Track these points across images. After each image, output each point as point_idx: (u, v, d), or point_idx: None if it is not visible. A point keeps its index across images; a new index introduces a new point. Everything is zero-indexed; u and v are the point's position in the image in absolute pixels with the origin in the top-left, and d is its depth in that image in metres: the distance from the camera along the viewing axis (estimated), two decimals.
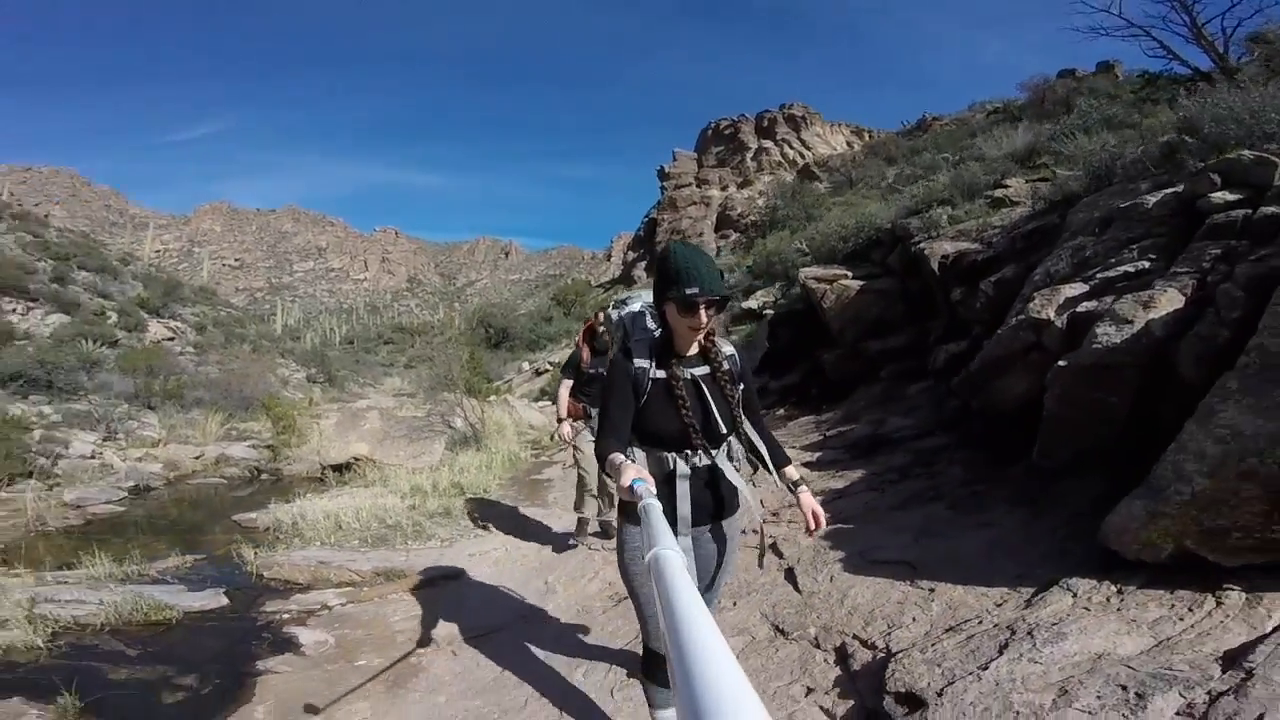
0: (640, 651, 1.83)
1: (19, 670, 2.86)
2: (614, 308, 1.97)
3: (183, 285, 25.26)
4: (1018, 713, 1.41)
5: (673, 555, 0.78)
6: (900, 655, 1.76)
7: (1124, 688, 1.39)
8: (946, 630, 1.81)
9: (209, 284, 34.48)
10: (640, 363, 1.62)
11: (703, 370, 1.65)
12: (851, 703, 1.72)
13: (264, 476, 8.22)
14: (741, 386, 1.71)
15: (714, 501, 1.67)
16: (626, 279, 47.44)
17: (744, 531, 2.35)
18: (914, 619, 1.93)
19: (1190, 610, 1.62)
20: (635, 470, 1.32)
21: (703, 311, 1.53)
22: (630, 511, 1.63)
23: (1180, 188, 3.06)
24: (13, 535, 5.19)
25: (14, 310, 15.67)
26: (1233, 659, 1.41)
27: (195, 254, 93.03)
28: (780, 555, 2.67)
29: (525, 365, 19.59)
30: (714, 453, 1.64)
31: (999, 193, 6.50)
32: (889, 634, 1.91)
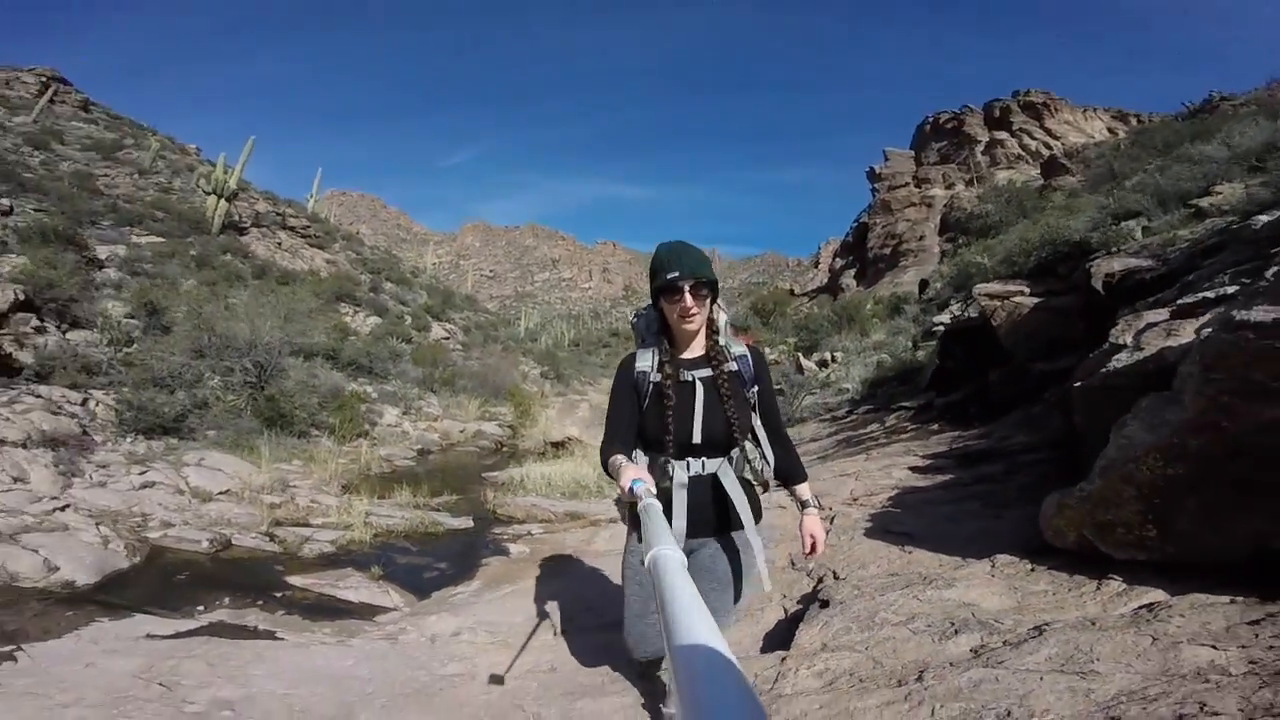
0: None
1: (353, 554, 4.75)
2: (635, 315, 1.87)
3: (454, 295, 31.20)
4: (875, 622, 2.05)
5: (671, 555, 0.78)
6: (842, 582, 2.46)
7: (951, 624, 1.92)
8: (889, 575, 2.43)
9: (472, 293, 41.85)
10: (642, 366, 1.61)
11: (705, 373, 1.59)
12: (800, 606, 2.48)
13: (504, 448, 10.57)
14: (756, 390, 1.65)
15: (718, 513, 1.59)
16: (833, 288, 45.64)
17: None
18: (877, 566, 2.55)
19: (1069, 590, 2.01)
20: (635, 470, 1.31)
21: (687, 295, 1.50)
22: (634, 517, 1.61)
23: None
24: (353, 475, 7.70)
25: (348, 313, 21.30)
26: (1044, 625, 1.82)
27: (461, 266, 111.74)
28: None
29: None
30: (717, 461, 1.58)
31: (1205, 201, 5.87)
32: (854, 572, 2.58)
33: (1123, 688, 1.49)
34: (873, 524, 3.07)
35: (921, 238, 39.41)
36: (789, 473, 1.70)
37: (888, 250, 40.13)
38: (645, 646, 1.71)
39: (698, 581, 1.55)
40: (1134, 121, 39.58)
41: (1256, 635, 1.56)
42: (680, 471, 1.56)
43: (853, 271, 44.77)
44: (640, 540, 1.45)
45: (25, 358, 7.83)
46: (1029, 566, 2.20)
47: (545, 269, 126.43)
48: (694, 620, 0.55)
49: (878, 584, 2.31)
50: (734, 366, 1.61)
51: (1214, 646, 1.54)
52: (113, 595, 3.72)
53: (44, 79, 34.67)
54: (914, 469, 4.38)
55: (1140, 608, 1.82)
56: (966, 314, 9.42)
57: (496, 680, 2.53)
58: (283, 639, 3.22)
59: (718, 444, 1.57)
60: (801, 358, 14.90)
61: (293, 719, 2.32)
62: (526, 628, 2.96)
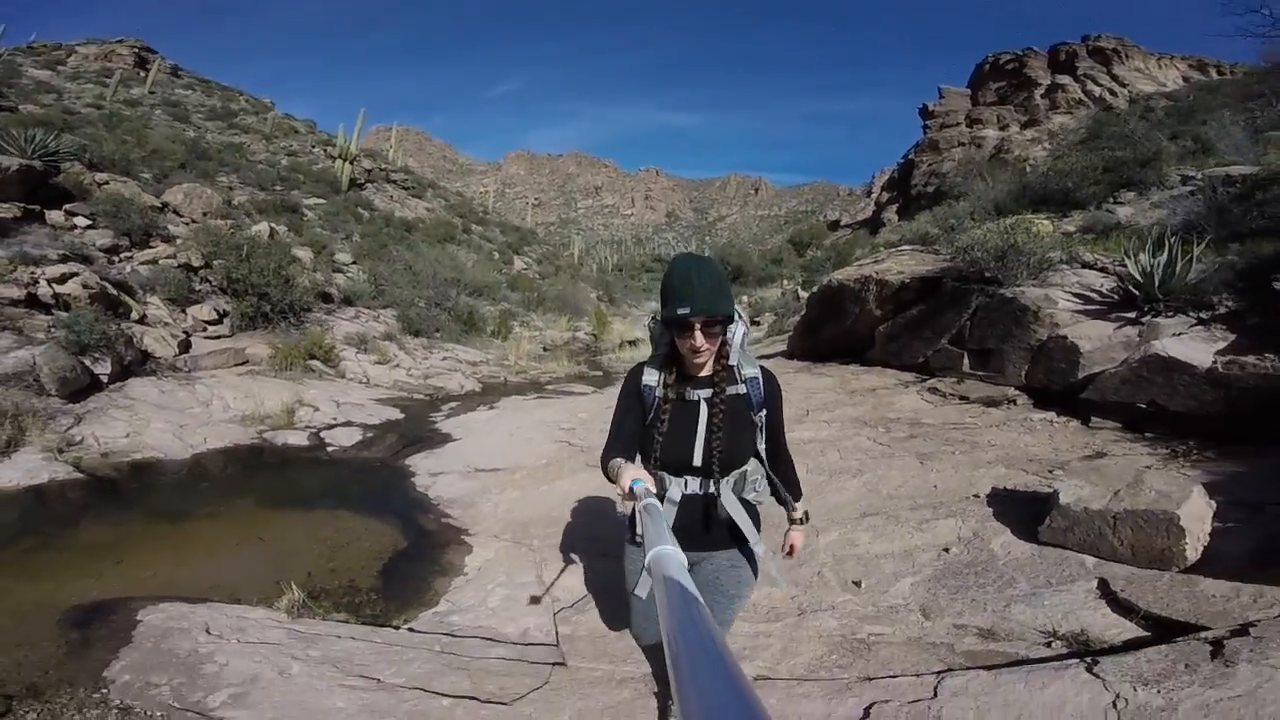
0: None
1: (561, 379, 10.70)
2: (653, 317, 1.76)
3: (525, 231, 36.86)
4: None
5: (673, 553, 0.80)
6: None
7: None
8: None
9: (532, 228, 47.34)
10: (649, 380, 1.63)
11: (709, 393, 1.59)
12: None
13: (592, 347, 16.62)
14: (764, 413, 1.66)
15: (711, 530, 1.63)
16: (875, 222, 48.03)
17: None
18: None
19: (797, 368, 7.62)
20: (635, 471, 1.34)
21: (697, 334, 1.48)
22: (632, 518, 1.71)
23: None
24: (525, 355, 13.72)
25: (454, 251, 27.23)
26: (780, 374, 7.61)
27: (506, 195, 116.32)
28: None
29: (744, 298, 26.19)
30: (719, 482, 1.59)
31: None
32: None
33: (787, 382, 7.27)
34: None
35: (965, 179, 39.38)
36: (788, 493, 1.75)
37: (930, 189, 40.15)
38: (648, 639, 1.87)
39: (703, 595, 1.49)
40: (1214, 73, 37.56)
41: (809, 371, 7.27)
42: (675, 488, 1.60)
43: (895, 207, 45.06)
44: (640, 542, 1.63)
45: (334, 292, 13.94)
46: (795, 364, 7.88)
47: (588, 196, 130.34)
48: (695, 619, 0.55)
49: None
50: (741, 390, 1.62)
51: (795, 369, 7.29)
52: (489, 395, 9.72)
53: (136, 50, 39.69)
54: None
55: (802, 369, 7.53)
56: None
57: None
58: (560, 399, 9.17)
59: (716, 465, 1.58)
60: (800, 289, 20.16)
61: (586, 403, 8.23)
62: None
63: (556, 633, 2.90)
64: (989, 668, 2.26)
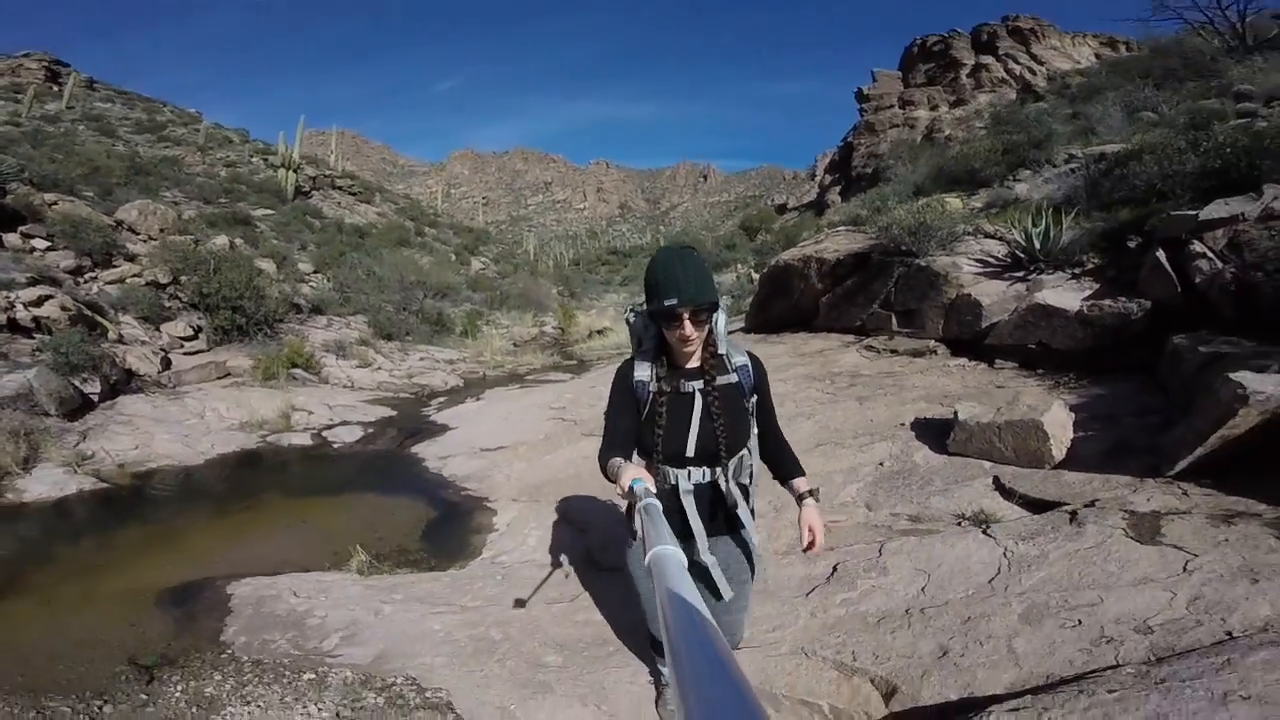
0: None
1: (537, 369, 11.39)
2: (632, 311, 1.82)
3: (481, 232, 36.88)
4: None
5: (673, 553, 0.81)
6: None
7: None
8: None
9: (485, 228, 47.24)
10: (640, 375, 1.66)
11: (702, 384, 1.63)
12: None
13: (560, 340, 17.23)
14: (754, 399, 1.71)
15: (715, 517, 1.69)
16: (820, 204, 49.48)
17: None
18: None
19: (761, 336, 8.55)
20: (634, 470, 1.35)
21: (686, 323, 1.51)
22: (633, 517, 1.72)
23: None
24: (499, 351, 14.26)
25: (409, 255, 27.23)
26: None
27: (452, 195, 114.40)
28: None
29: None
30: (716, 470, 1.65)
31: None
32: None
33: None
34: None
35: (896, 160, 40.43)
36: (787, 471, 1.77)
37: (869, 170, 41.07)
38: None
39: (728, 576, 1.72)
40: (1123, 49, 37.64)
41: (765, 341, 8.16)
42: (684, 480, 1.64)
43: (838, 188, 46.38)
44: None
45: (302, 302, 14.15)
46: (753, 337, 8.75)
47: (538, 192, 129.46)
48: (694, 618, 0.56)
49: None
50: (734, 379, 1.66)
51: (753, 341, 8.18)
52: (473, 389, 10.29)
53: (45, 64, 37.70)
54: None
55: (759, 340, 8.41)
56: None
57: None
58: (543, 386, 9.81)
59: (714, 454, 1.63)
60: (752, 272, 21.23)
61: (569, 386, 8.94)
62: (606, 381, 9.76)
63: (591, 552, 3.65)
64: (917, 536, 3.13)
